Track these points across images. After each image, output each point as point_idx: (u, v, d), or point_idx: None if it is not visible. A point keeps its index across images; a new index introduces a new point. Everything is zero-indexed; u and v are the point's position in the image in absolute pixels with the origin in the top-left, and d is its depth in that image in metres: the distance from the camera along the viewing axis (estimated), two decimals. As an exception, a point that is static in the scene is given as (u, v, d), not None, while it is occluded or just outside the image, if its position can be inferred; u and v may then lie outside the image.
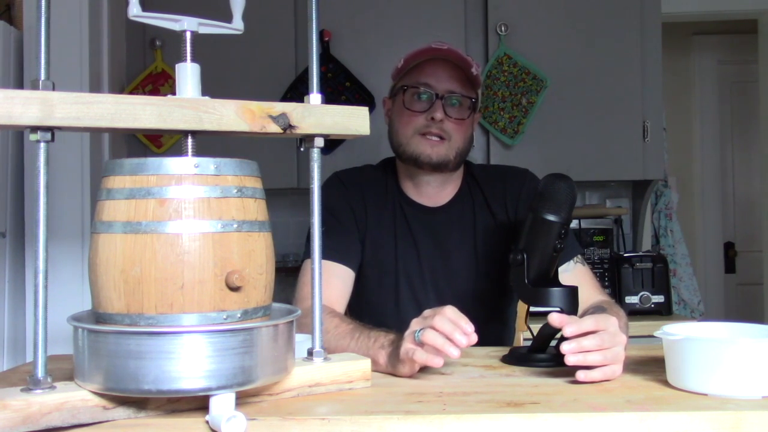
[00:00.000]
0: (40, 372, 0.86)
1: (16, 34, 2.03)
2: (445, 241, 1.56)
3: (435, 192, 1.58)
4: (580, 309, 1.28)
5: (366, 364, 1.06)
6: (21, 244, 2.03)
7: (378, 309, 1.54)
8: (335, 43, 2.60)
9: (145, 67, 2.59)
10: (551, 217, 1.21)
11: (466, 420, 0.88)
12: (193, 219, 0.87)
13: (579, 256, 1.51)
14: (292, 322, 0.95)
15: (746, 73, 3.97)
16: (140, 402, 0.89)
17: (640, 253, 2.64)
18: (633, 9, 2.63)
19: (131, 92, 2.55)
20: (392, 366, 1.13)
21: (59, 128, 0.86)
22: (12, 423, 0.81)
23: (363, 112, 1.03)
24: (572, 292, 1.22)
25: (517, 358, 1.23)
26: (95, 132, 2.06)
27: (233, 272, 0.87)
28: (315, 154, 1.03)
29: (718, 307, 3.95)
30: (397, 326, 1.19)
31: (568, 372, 1.07)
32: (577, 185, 1.26)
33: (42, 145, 0.86)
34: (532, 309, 1.33)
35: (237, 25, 1.00)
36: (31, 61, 1.99)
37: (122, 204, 0.87)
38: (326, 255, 1.30)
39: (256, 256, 0.91)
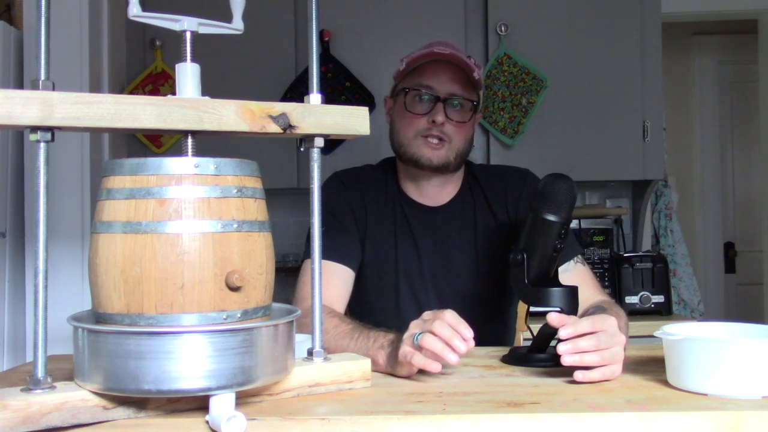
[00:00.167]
0: (40, 372, 0.86)
1: (16, 34, 2.03)
2: (445, 241, 1.56)
3: (436, 192, 1.58)
4: (581, 309, 1.28)
5: (366, 364, 1.06)
6: (21, 244, 2.03)
7: (378, 309, 1.54)
8: (335, 43, 2.61)
9: (145, 67, 2.59)
10: (551, 217, 1.21)
11: (466, 420, 0.88)
12: (193, 219, 0.87)
13: (579, 256, 1.51)
14: (292, 322, 0.95)
15: (746, 73, 3.97)
16: (140, 402, 0.89)
17: (640, 253, 2.64)
18: (633, 9, 2.63)
19: (131, 92, 2.55)
20: (391, 366, 1.13)
21: (59, 128, 0.86)
22: (12, 423, 0.81)
23: (363, 112, 1.03)
24: (572, 292, 1.22)
25: (517, 358, 1.23)
26: (95, 132, 2.06)
27: (233, 272, 0.87)
28: (315, 154, 1.03)
29: (718, 307, 3.95)
30: (397, 326, 1.19)
31: (567, 372, 1.07)
32: (577, 185, 1.26)
33: (42, 145, 0.86)
34: (532, 309, 1.33)
35: (237, 25, 1.00)
36: (31, 61, 1.99)
37: (122, 204, 0.87)
38: (326, 255, 1.30)
39: (256, 256, 0.91)
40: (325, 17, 2.46)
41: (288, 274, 2.38)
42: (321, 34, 2.55)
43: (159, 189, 0.87)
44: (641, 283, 2.55)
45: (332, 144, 2.54)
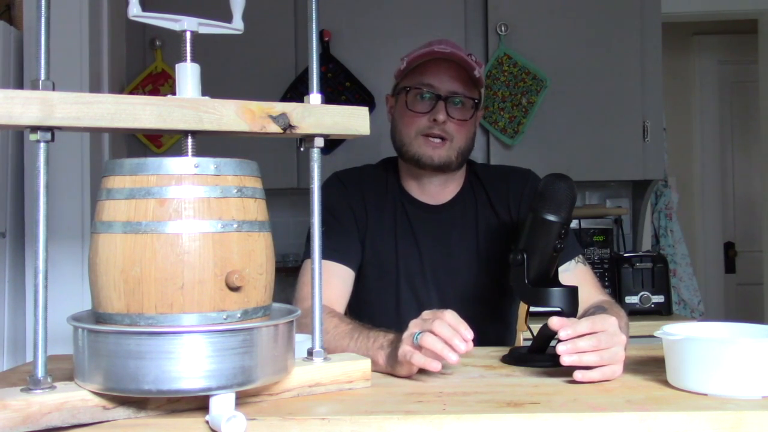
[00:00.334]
0: (40, 372, 0.86)
1: (16, 34, 2.03)
2: (447, 239, 1.56)
3: (437, 190, 1.58)
4: (581, 309, 1.28)
5: (366, 364, 1.06)
6: (21, 244, 2.03)
7: (378, 308, 1.54)
8: (335, 43, 2.60)
9: (145, 67, 2.59)
10: (551, 217, 1.21)
11: (466, 420, 0.88)
12: (193, 219, 0.87)
13: (580, 255, 1.51)
14: (292, 322, 0.95)
15: (746, 73, 3.97)
16: (140, 402, 0.88)
17: (640, 253, 2.64)
18: (633, 9, 2.63)
19: (131, 92, 2.54)
20: (391, 366, 1.13)
21: (59, 128, 0.86)
22: (12, 423, 0.81)
23: (363, 112, 1.03)
24: (572, 292, 1.22)
25: (517, 358, 1.22)
26: (95, 132, 2.06)
27: (233, 272, 0.87)
28: (315, 154, 1.03)
29: (718, 307, 3.95)
30: (397, 325, 1.19)
31: (567, 372, 1.07)
32: (577, 185, 1.26)
33: (42, 145, 0.86)
34: (532, 309, 1.33)
35: (237, 25, 1.00)
36: (31, 61, 1.99)
37: (122, 204, 0.87)
38: (326, 255, 1.30)
39: (256, 256, 0.91)
40: (325, 17, 2.46)
41: (288, 274, 2.38)
42: (321, 34, 2.55)
43: (159, 189, 0.87)
44: (641, 283, 2.55)
45: (332, 144, 2.54)
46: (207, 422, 0.87)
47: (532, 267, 1.24)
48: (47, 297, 0.86)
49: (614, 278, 2.58)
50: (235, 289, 0.88)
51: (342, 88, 2.59)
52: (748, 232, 4.03)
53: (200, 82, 0.95)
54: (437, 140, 1.49)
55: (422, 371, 1.12)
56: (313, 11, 1.05)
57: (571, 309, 1.20)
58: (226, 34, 0.99)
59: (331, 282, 1.43)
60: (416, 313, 1.14)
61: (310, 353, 1.04)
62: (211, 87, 0.97)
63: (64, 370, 0.97)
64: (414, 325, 1.11)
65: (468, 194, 1.60)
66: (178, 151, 0.97)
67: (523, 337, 1.62)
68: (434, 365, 1.05)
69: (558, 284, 1.26)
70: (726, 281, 4.07)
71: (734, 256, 4.10)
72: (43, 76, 0.87)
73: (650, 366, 1.16)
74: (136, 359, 0.83)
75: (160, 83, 2.58)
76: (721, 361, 0.96)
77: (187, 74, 0.94)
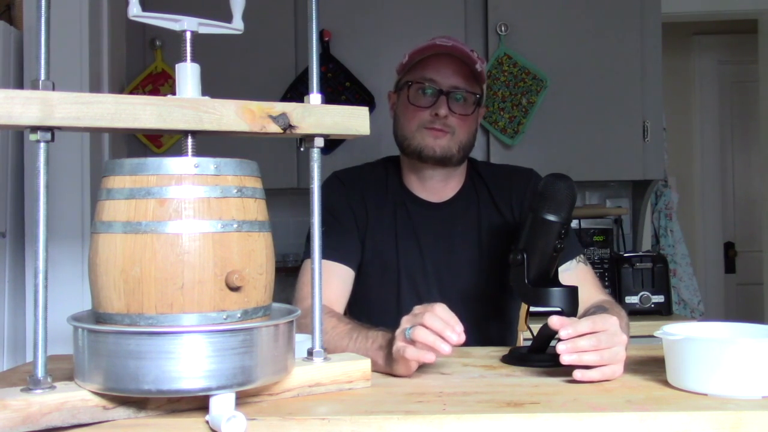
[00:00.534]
0: (40, 372, 0.86)
1: (16, 34, 2.03)
2: (448, 237, 1.56)
3: (439, 187, 1.58)
4: (581, 308, 1.27)
5: (366, 364, 1.06)
6: (21, 244, 2.03)
7: (379, 306, 1.54)
8: (335, 43, 2.60)
9: (145, 67, 2.59)
10: (551, 217, 1.21)
11: (466, 420, 0.88)
12: (193, 219, 0.87)
13: (581, 255, 1.51)
14: (292, 322, 0.95)
15: (746, 73, 3.97)
16: (140, 402, 0.88)
17: (640, 253, 2.64)
18: (633, 9, 2.63)
19: (131, 92, 2.54)
20: (390, 366, 1.13)
21: (59, 128, 0.86)
22: (12, 423, 0.81)
23: (363, 112, 1.03)
24: (572, 291, 1.22)
25: (517, 358, 1.22)
26: (95, 132, 2.06)
27: (233, 272, 0.87)
28: (315, 154, 1.03)
29: (718, 307, 3.95)
30: (398, 324, 1.19)
31: (567, 372, 1.07)
32: (577, 185, 1.26)
33: (42, 145, 0.86)
34: (533, 309, 1.33)
35: (237, 25, 1.00)
36: (31, 61, 1.99)
37: (122, 204, 0.87)
38: (326, 255, 1.30)
39: (256, 256, 0.91)
40: (325, 17, 2.46)
41: (288, 274, 2.38)
42: (321, 34, 2.55)
43: (159, 189, 0.87)
44: (641, 283, 2.55)
45: (332, 144, 2.54)
46: (207, 422, 0.87)
47: (532, 267, 1.24)
48: (47, 297, 0.86)
49: (614, 278, 2.58)
50: (235, 289, 0.88)
51: (342, 88, 2.59)
52: (748, 232, 4.03)
53: (200, 82, 0.95)
54: (439, 128, 1.49)
55: (422, 370, 1.12)
56: (313, 11, 1.05)
57: (571, 309, 1.20)
58: (226, 34, 0.99)
59: (330, 282, 1.43)
60: (418, 311, 1.14)
61: (310, 353, 1.04)
62: (211, 87, 0.97)
63: (64, 370, 0.97)
64: (405, 321, 1.11)
65: (470, 191, 1.60)
66: (178, 151, 0.97)
67: (524, 336, 1.62)
68: (428, 357, 1.05)
69: (558, 284, 1.26)
70: (726, 281, 4.07)
71: (734, 256, 4.10)
72: (43, 76, 0.87)
73: (650, 366, 1.16)
74: (136, 359, 0.83)
75: (160, 83, 2.58)
76: (721, 361, 0.96)
77: (187, 74, 0.94)
